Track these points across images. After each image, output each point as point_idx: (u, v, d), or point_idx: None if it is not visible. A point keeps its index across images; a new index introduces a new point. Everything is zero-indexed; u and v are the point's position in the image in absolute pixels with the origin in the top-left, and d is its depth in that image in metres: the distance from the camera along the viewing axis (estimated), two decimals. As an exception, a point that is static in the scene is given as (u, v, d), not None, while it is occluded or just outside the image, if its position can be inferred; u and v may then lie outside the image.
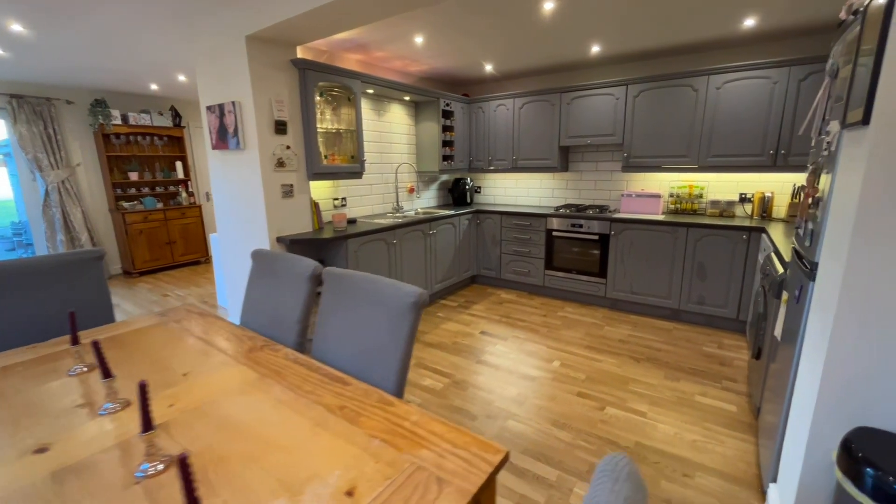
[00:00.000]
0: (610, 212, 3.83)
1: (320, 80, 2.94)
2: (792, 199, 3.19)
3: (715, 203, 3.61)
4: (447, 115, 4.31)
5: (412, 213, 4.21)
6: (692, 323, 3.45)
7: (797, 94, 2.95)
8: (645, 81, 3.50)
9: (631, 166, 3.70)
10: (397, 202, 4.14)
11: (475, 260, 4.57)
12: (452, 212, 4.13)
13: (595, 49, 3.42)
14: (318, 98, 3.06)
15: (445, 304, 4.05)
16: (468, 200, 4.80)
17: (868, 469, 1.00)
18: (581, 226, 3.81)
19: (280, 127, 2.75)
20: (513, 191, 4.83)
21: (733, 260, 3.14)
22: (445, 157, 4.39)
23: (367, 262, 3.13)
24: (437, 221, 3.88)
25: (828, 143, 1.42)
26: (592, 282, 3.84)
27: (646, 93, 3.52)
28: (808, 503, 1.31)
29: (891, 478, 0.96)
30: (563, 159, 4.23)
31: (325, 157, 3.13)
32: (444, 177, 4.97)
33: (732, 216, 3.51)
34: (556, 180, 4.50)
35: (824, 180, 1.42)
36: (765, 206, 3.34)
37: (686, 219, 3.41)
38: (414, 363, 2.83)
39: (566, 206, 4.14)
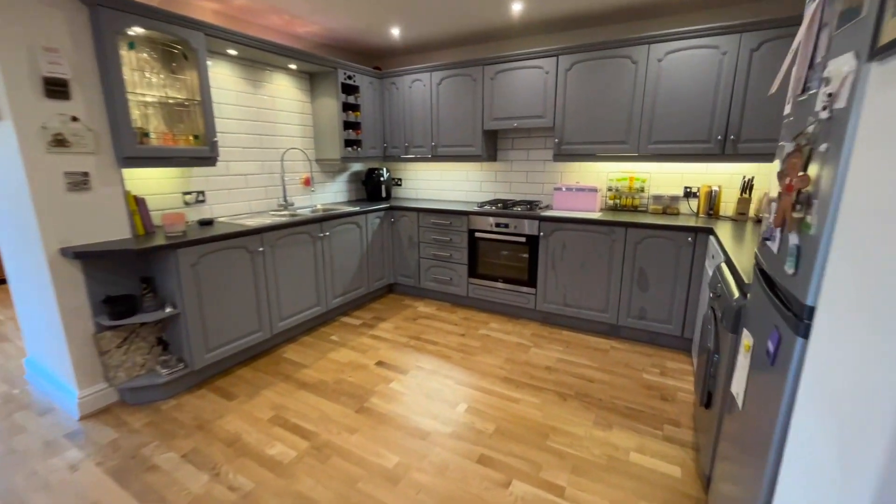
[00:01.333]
0: (541, 208, 3.23)
1: (134, 25, 2.08)
2: (741, 194, 2.71)
3: (658, 198, 3.10)
4: (350, 90, 3.54)
5: (307, 210, 3.41)
6: (632, 340, 2.93)
7: (748, 67, 2.44)
8: (578, 52, 2.90)
9: (563, 154, 3.11)
10: (285, 197, 3.32)
11: (391, 266, 3.85)
12: (357, 209, 3.37)
13: (517, 7, 2.76)
14: (131, 52, 2.19)
15: (347, 322, 3.31)
16: (384, 194, 4.06)
17: None
18: (507, 225, 3.18)
19: (55, 88, 1.88)
20: (437, 183, 4.14)
21: (678, 266, 2.63)
22: (350, 143, 3.62)
23: (217, 280, 2.32)
24: (333, 221, 3.12)
25: (827, 98, 0.81)
26: (521, 292, 3.24)
27: (579, 65, 2.92)
28: None
29: None
30: (491, 147, 3.59)
31: (152, 135, 2.27)
32: (357, 166, 4.19)
33: (677, 213, 3.01)
34: (484, 171, 3.85)
35: (819, 163, 0.82)
36: (711, 201, 2.86)
37: (625, 217, 2.87)
38: (269, 417, 2.08)
39: (492, 202, 3.50)
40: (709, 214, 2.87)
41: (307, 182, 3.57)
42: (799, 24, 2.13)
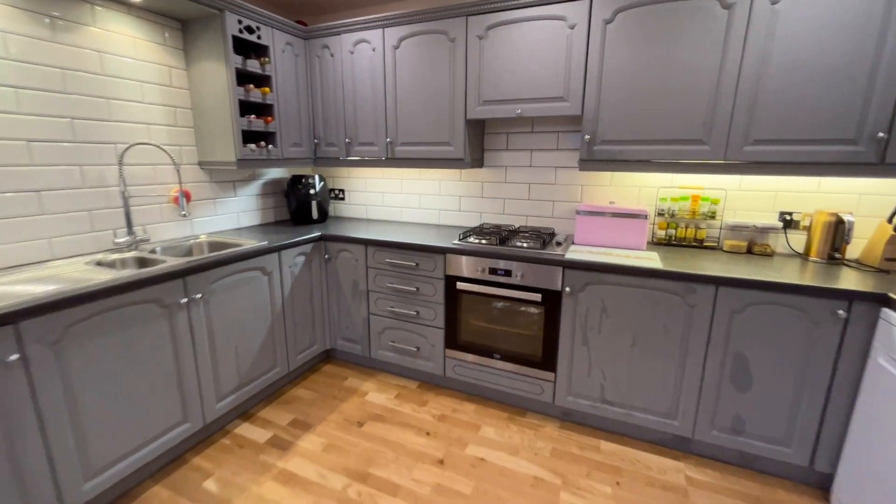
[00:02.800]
0: (559, 243, 2.05)
1: None
2: (893, 229, 1.66)
3: (737, 229, 2.01)
4: (251, 49, 2.21)
5: (171, 248, 2.04)
6: (716, 461, 1.81)
7: (942, 14, 1.39)
8: (627, -11, 1.75)
9: (597, 159, 1.95)
10: (129, 227, 1.92)
11: (327, 324, 2.54)
12: (260, 244, 2.04)
13: None
14: None
15: (244, 436, 1.96)
16: (316, 215, 2.73)
17: None
18: (507, 272, 1.98)
19: None
20: (396, 198, 2.86)
21: (809, 356, 1.53)
22: (253, 137, 2.28)
23: None
24: (212, 272, 1.77)
25: None
26: (531, 377, 2.04)
27: (627, 14, 1.77)
28: None
29: None
30: (476, 146, 2.38)
31: None
32: (276, 173, 2.83)
33: (767, 253, 1.93)
34: (465, 183, 2.63)
35: None
36: (836, 238, 1.79)
37: (696, 260, 1.75)
38: None
39: (480, 232, 2.28)
40: (831, 258, 1.81)
41: (188, 195, 2.18)
42: None
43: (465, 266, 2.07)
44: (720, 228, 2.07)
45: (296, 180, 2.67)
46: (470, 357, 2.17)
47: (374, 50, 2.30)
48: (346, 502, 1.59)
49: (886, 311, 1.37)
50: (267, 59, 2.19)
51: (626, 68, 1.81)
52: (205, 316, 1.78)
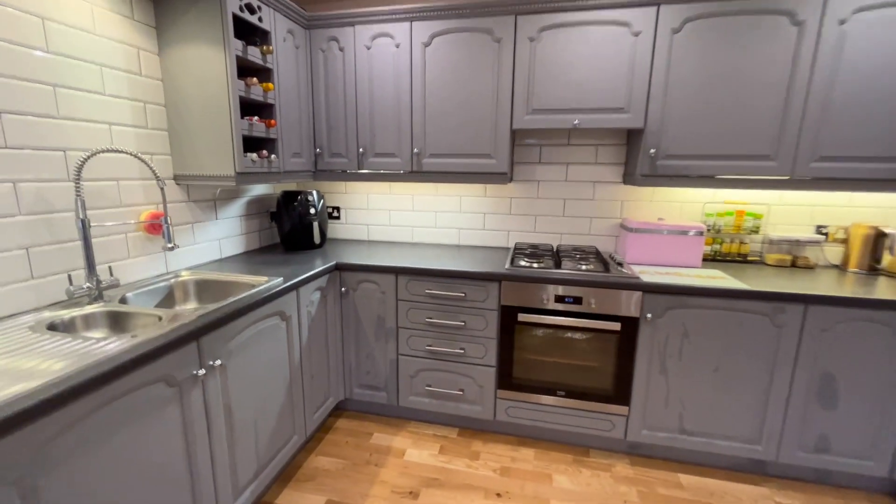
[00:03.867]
0: (620, 264, 1.90)
1: None
2: (933, 241, 1.78)
3: (776, 243, 2.05)
4: (251, 32, 1.75)
5: (148, 294, 1.50)
6: (795, 480, 1.78)
7: None
8: (696, 0, 1.68)
9: (660, 174, 1.85)
10: (91, 268, 1.35)
11: (340, 371, 2.10)
12: (273, 281, 1.58)
13: None
14: None
15: (271, 542, 1.48)
16: (318, 239, 2.28)
17: None
18: (578, 300, 1.77)
19: None
20: (407, 217, 2.52)
21: (893, 369, 1.55)
22: (252, 143, 1.81)
23: None
24: (235, 324, 1.31)
25: None
26: (601, 413, 1.85)
27: (696, 24, 1.70)
28: None
29: None
30: (512, 158, 2.16)
31: None
32: (261, 189, 2.33)
33: (809, 266, 1.99)
34: (490, 199, 2.39)
35: None
36: (875, 250, 1.89)
37: (728, 273, 1.73)
38: None
39: (531, 254, 2.06)
40: (872, 269, 1.90)
41: (153, 228, 1.62)
42: None
43: (524, 294, 1.82)
44: (762, 243, 2.09)
45: (289, 198, 2.20)
46: (528, 396, 1.92)
47: (397, 46, 1.97)
48: None
49: (974, 323, 1.42)
50: (269, 46, 1.75)
51: (692, 80, 1.74)
52: (222, 388, 1.29)
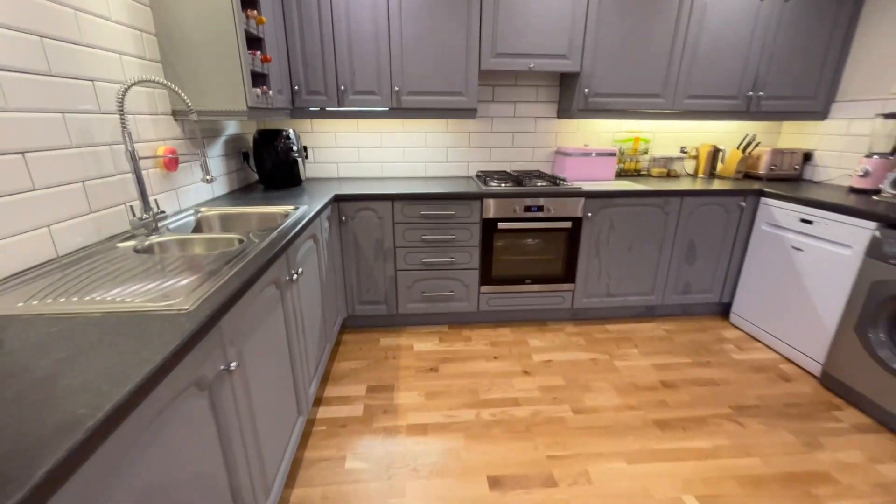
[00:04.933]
0: (563, 180, 2.50)
1: None
2: (743, 153, 2.75)
3: (657, 160, 2.87)
4: (241, -36, 1.73)
5: (182, 221, 1.58)
6: (670, 316, 2.72)
7: (778, 22, 2.35)
8: (618, -32, 2.19)
9: (590, 109, 2.43)
10: (144, 202, 1.39)
11: (344, 290, 2.38)
12: (293, 209, 1.78)
13: None
14: None
15: (336, 416, 1.82)
16: (303, 176, 2.39)
17: None
18: (540, 208, 2.33)
19: None
20: (376, 153, 2.73)
21: (725, 233, 2.48)
22: (254, 78, 1.85)
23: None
24: (298, 242, 1.52)
25: None
26: (555, 291, 2.51)
27: (618, -11, 2.23)
28: None
29: None
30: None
31: None
32: (232, 129, 2.30)
33: (677, 176, 2.87)
34: (451, 134, 2.74)
35: None
36: (714, 161, 2.81)
37: (632, 182, 2.51)
38: None
39: (497, 177, 2.52)
40: (711, 175, 2.84)
41: (172, 163, 1.63)
42: None
43: (501, 208, 2.30)
44: (649, 161, 2.89)
45: (268, 137, 2.25)
46: (503, 288, 2.48)
47: (374, -14, 2.11)
48: (490, 424, 1.77)
49: (764, 199, 2.36)
50: (260, -22, 1.75)
51: (614, 35, 2.30)
52: (298, 295, 1.53)
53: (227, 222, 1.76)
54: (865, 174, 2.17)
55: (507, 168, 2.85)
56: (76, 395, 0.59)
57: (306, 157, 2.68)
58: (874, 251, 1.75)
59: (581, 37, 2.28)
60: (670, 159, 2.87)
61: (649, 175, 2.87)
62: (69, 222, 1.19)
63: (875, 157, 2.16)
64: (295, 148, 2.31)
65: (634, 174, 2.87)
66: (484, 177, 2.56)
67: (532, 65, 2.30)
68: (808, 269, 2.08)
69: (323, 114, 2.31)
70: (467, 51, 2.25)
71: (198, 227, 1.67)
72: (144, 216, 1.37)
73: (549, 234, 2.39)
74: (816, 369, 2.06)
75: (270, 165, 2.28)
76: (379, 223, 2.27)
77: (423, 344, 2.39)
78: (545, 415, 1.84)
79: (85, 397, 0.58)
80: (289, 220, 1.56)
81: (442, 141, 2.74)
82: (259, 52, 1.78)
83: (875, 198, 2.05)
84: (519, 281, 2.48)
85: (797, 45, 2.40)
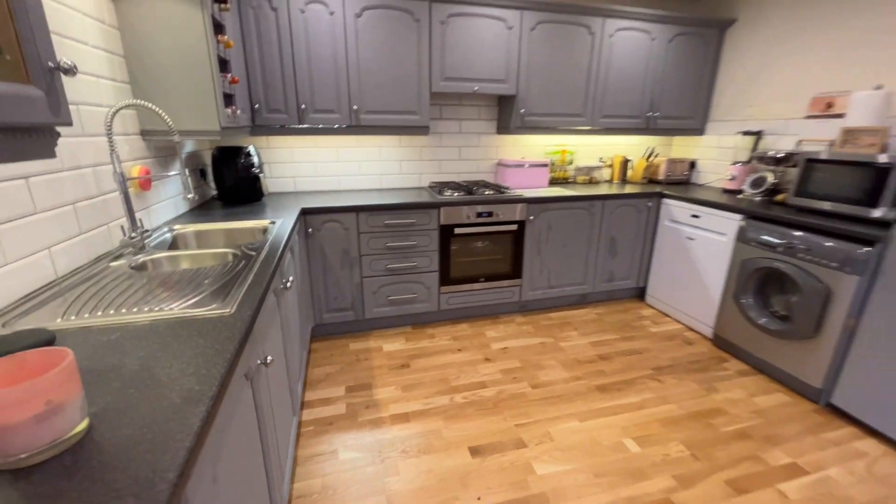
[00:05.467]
0: (507, 188, 2.84)
1: None
2: (647, 162, 3.32)
3: (580, 169, 3.35)
4: (208, -8, 1.81)
5: (159, 239, 1.63)
6: (600, 302, 3.19)
7: (665, 56, 2.92)
8: (544, 9, 2.58)
9: (526, 127, 2.81)
10: (132, 221, 1.43)
11: (310, 301, 2.48)
12: (266, 223, 1.89)
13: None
14: None
15: (322, 416, 1.94)
16: (265, 191, 2.45)
17: None
18: (490, 214, 2.64)
19: None
20: (333, 167, 2.86)
21: (638, 229, 2.99)
22: (226, 98, 1.91)
23: None
24: (283, 259, 1.64)
25: None
26: (505, 287, 2.84)
27: (544, 26, 2.62)
28: None
29: None
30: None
31: None
32: (189, 147, 2.30)
33: (598, 182, 3.37)
34: (404, 148, 2.96)
35: None
36: (625, 170, 3.36)
37: (563, 188, 2.96)
38: None
39: (449, 187, 2.79)
40: (623, 181, 3.38)
41: (145, 184, 1.66)
42: (701, 24, 2.68)
43: (455, 215, 2.57)
44: (574, 170, 3.36)
45: (227, 154, 2.29)
46: (461, 287, 2.74)
47: (332, 14, 2.27)
48: (464, 405, 2.01)
49: (665, 200, 2.90)
50: (227, 4, 1.84)
51: (543, 63, 2.69)
52: (288, 304, 1.65)
53: (203, 238, 1.80)
54: (732, 178, 2.79)
55: (456, 178, 3.13)
56: (182, 377, 0.72)
57: (262, 173, 2.73)
58: (741, 236, 2.31)
59: (516, 65, 2.64)
60: (591, 168, 3.37)
61: (575, 182, 3.34)
62: (65, 244, 1.22)
63: (738, 164, 2.79)
64: (256, 164, 2.37)
65: (563, 182, 3.32)
66: (438, 187, 2.82)
67: (476, 88, 2.61)
68: (698, 255, 2.63)
69: (284, 131, 2.40)
70: (419, 75, 2.50)
71: (174, 245, 1.71)
72: (133, 235, 1.41)
73: (497, 237, 2.71)
74: (709, 332, 2.60)
75: (231, 182, 2.32)
76: (345, 233, 2.42)
77: (391, 344, 2.56)
78: (508, 392, 2.12)
79: (191, 379, 0.72)
80: (274, 233, 1.68)
81: (396, 154, 2.95)
82: (229, 74, 1.86)
83: (739, 196, 2.66)
84: (474, 280, 2.76)
85: (679, 76, 3.00)
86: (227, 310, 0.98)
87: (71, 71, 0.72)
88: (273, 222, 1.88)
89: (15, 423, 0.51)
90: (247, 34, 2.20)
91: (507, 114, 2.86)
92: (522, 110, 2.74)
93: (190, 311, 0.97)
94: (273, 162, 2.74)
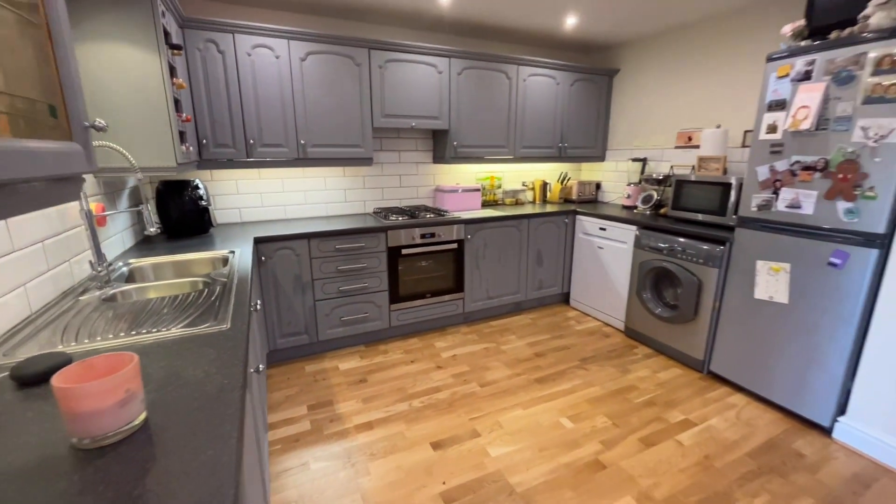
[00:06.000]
0: (446, 211, 3.16)
1: None
2: (562, 184, 3.87)
3: (507, 192, 3.80)
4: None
5: (117, 273, 1.68)
6: (532, 308, 3.59)
7: (569, 97, 3.50)
8: (467, 58, 3.00)
9: (458, 157, 3.17)
10: (98, 256, 1.48)
11: (264, 328, 2.54)
12: (223, 253, 2.00)
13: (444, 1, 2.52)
14: None
15: (287, 434, 2.02)
16: (214, 223, 2.50)
17: None
18: (433, 235, 2.92)
19: None
20: (279, 197, 2.96)
21: (559, 242, 3.47)
22: (180, 136, 1.99)
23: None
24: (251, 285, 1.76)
25: (876, 136, 1.72)
26: (449, 301, 3.12)
27: (468, 71, 3.04)
28: None
29: None
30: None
31: None
32: (132, 181, 2.30)
33: (523, 203, 3.84)
34: (348, 178, 3.16)
35: (875, 166, 1.73)
36: (545, 192, 3.87)
37: (494, 210, 3.38)
38: None
39: (393, 212, 3.03)
40: (543, 201, 3.88)
41: (102, 220, 1.69)
42: (594, 72, 3.30)
43: (402, 237, 2.82)
44: (502, 193, 3.80)
45: (174, 187, 2.33)
46: (409, 304, 2.96)
47: (278, 57, 2.46)
48: (422, 409, 2.22)
49: (578, 216, 3.42)
50: (180, 50, 1.96)
51: (470, 102, 3.10)
52: (254, 325, 1.76)
53: (161, 270, 1.85)
54: (628, 196, 3.39)
55: (399, 204, 3.39)
56: (207, 377, 0.88)
57: (209, 205, 2.76)
58: (638, 243, 2.84)
59: (447, 104, 3.01)
60: (517, 191, 3.83)
61: (504, 204, 3.77)
62: (37, 280, 1.26)
63: (632, 185, 3.40)
64: (204, 197, 2.42)
65: (494, 204, 3.73)
66: (383, 213, 3.05)
67: (413, 123, 2.93)
68: (607, 261, 3.14)
69: (231, 164, 2.50)
70: (362, 112, 2.75)
71: (131, 278, 1.74)
72: (100, 269, 1.46)
73: (440, 256, 3.00)
74: (621, 326, 3.09)
75: (178, 214, 2.35)
76: (297, 260, 2.54)
77: (347, 363, 2.69)
78: (461, 393, 2.36)
79: (217, 377, 0.88)
80: (237, 261, 1.79)
81: (340, 184, 3.13)
82: (182, 114, 1.96)
83: (634, 211, 3.24)
84: (421, 296, 3.00)
85: (582, 113, 3.59)
86: (224, 325, 1.13)
87: (103, 129, 0.87)
88: (232, 252, 1.97)
89: (105, 407, 0.66)
90: (194, 74, 2.30)
91: (441, 145, 3.21)
92: (455, 143, 3.11)
93: (188, 329, 1.10)
94: (218, 194, 2.79)
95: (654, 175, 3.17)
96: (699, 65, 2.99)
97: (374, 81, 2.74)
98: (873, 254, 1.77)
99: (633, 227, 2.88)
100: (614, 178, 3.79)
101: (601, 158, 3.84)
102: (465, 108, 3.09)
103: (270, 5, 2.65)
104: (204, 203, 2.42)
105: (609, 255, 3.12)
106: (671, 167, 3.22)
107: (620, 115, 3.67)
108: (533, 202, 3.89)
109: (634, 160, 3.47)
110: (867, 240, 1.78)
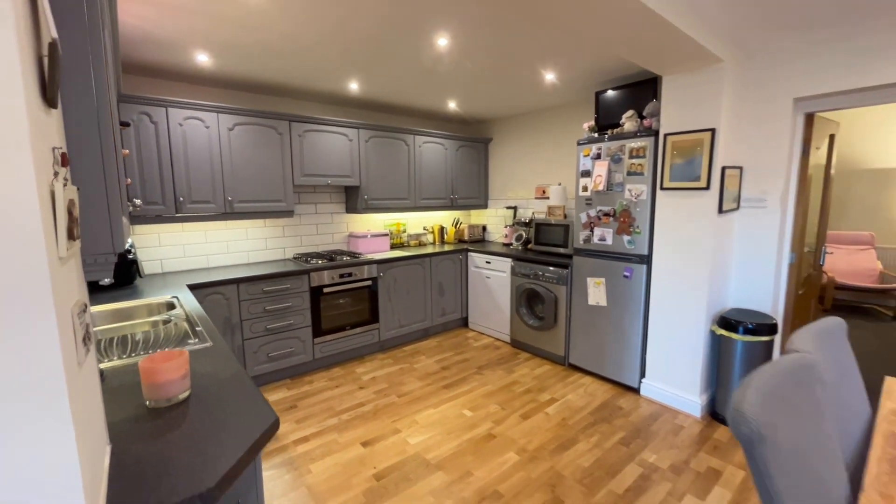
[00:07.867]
0: (360, 254, 3.69)
1: None
2: (455, 228, 4.69)
3: (411, 236, 4.48)
4: (107, 116, 2.21)
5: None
6: (438, 333, 4.21)
7: (456, 158, 4.40)
8: (373, 129, 3.69)
9: (369, 208, 3.77)
10: (63, 304, 1.71)
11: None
12: (170, 297, 2.29)
13: (354, 87, 3.18)
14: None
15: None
16: (142, 274, 2.66)
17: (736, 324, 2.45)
18: (350, 274, 3.42)
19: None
20: (201, 248, 3.19)
21: (456, 275, 4.21)
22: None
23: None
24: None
25: (635, 195, 2.78)
26: (366, 331, 3.59)
27: (374, 139, 3.72)
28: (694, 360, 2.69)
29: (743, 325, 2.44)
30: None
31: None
32: (56, 236, 2.40)
33: (424, 244, 4.55)
34: (268, 228, 3.52)
35: (638, 214, 2.78)
36: (443, 235, 4.64)
37: (401, 251, 4.06)
38: None
39: (313, 257, 3.45)
40: (442, 242, 4.65)
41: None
42: (474, 140, 4.28)
43: (322, 278, 3.26)
44: (407, 237, 4.46)
45: (101, 241, 2.50)
46: (331, 336, 3.36)
47: (207, 127, 2.84)
48: (350, 420, 2.62)
49: (469, 253, 4.22)
50: (129, 124, 2.27)
51: (377, 163, 3.76)
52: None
53: (102, 317, 2.04)
54: (506, 236, 4.32)
55: (316, 249, 3.82)
56: (216, 371, 1.29)
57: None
58: (513, 272, 3.69)
59: (358, 165, 3.63)
60: (419, 234, 4.53)
61: (409, 245, 4.43)
62: None
63: (507, 227, 4.34)
64: (132, 250, 2.61)
65: (401, 245, 4.36)
66: (304, 257, 3.46)
67: (329, 181, 3.47)
68: (494, 287, 3.95)
69: (160, 220, 2.73)
70: (284, 171, 3.22)
71: (78, 325, 1.92)
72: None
73: (357, 292, 3.48)
74: (508, 339, 3.88)
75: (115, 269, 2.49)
76: (226, 303, 2.81)
77: (275, 395, 2.95)
78: (382, 404, 2.82)
79: (225, 370, 1.30)
80: (185, 303, 2.09)
81: (261, 233, 3.48)
82: (129, 179, 2.23)
83: (510, 247, 4.15)
84: (342, 329, 3.42)
85: (466, 171, 4.51)
86: (209, 343, 1.51)
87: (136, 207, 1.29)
88: (175, 297, 2.24)
89: (175, 378, 1.07)
90: (127, 142, 2.56)
91: (353, 198, 3.78)
92: (365, 196, 3.71)
93: (181, 348, 1.47)
94: (141, 247, 2.93)
95: (522, 219, 4.14)
96: (546, 138, 4.11)
97: (294, 147, 3.25)
98: (644, 268, 2.79)
99: (509, 260, 3.74)
100: (495, 221, 4.74)
101: (484, 206, 4.78)
102: (373, 167, 3.74)
103: (204, 82, 3.04)
104: (132, 255, 2.60)
105: (494, 283, 3.93)
106: (533, 213, 4.24)
107: (496, 172, 4.68)
108: (433, 243, 4.62)
109: (508, 207, 4.45)
110: (641, 259, 2.80)
